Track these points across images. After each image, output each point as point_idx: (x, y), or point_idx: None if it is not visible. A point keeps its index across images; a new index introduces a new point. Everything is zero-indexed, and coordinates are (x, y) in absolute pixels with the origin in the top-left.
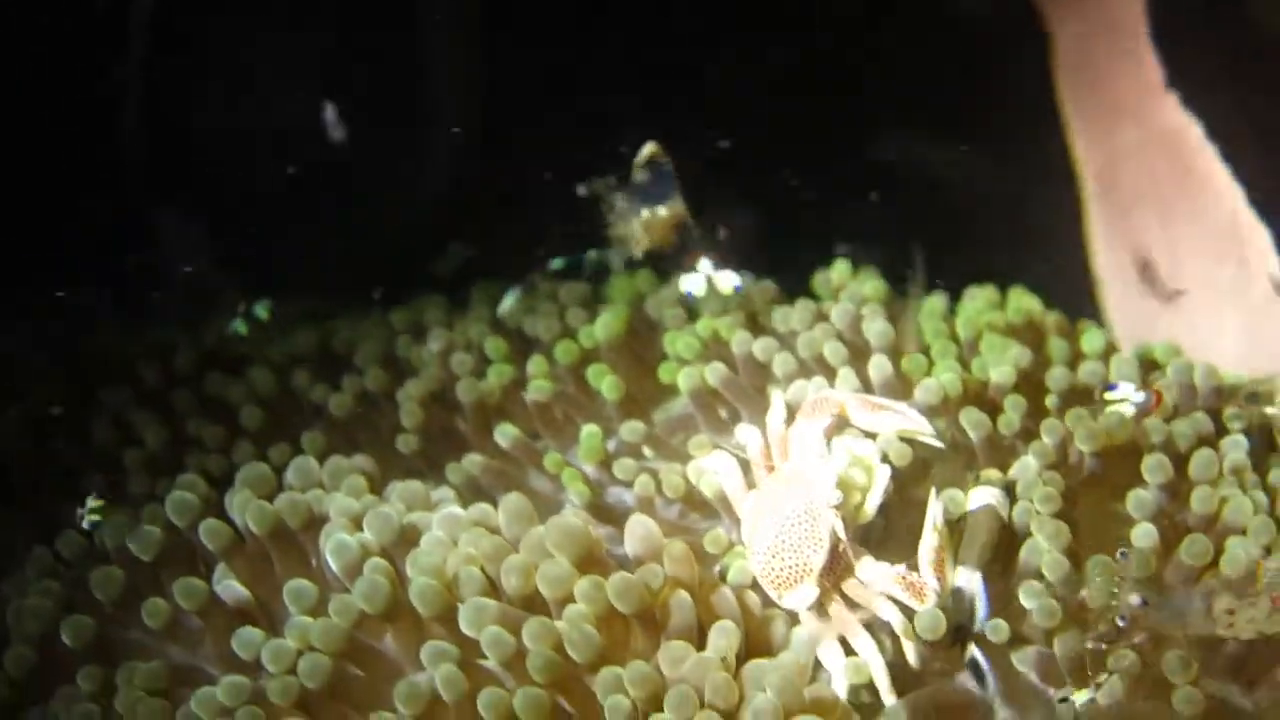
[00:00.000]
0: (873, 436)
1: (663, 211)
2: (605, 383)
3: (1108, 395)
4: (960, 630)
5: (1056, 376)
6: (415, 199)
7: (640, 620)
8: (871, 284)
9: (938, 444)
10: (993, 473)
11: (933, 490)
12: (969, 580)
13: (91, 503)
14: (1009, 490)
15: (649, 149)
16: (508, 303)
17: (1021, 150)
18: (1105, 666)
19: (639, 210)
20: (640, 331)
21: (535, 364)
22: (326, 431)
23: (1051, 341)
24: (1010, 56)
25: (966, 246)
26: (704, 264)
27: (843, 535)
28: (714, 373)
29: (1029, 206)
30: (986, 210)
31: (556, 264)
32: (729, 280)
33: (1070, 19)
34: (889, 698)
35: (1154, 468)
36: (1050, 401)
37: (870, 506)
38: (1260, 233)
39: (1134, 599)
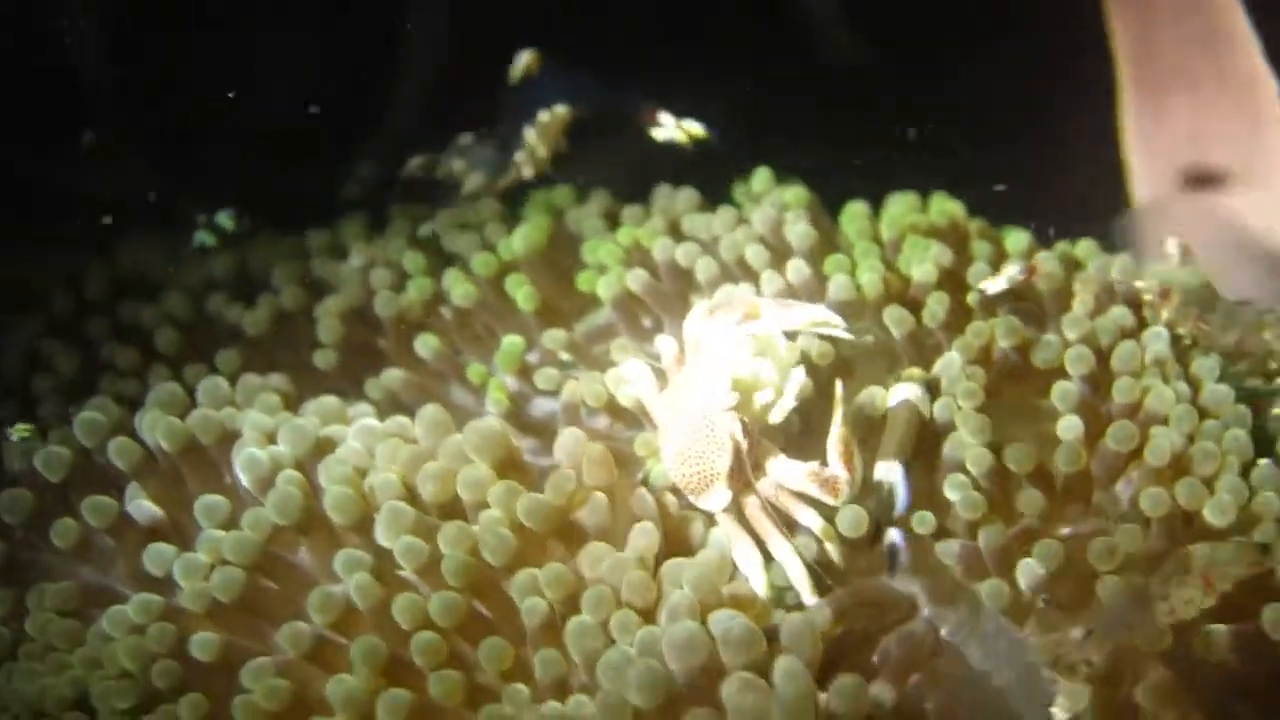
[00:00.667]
0: (792, 337)
1: (555, 113)
2: (521, 293)
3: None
4: (879, 524)
5: (977, 274)
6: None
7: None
8: (793, 191)
9: (848, 335)
10: (915, 370)
11: (838, 384)
12: (889, 471)
13: (20, 426)
14: (931, 386)
15: (525, 57)
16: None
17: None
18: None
19: (529, 120)
20: (561, 244)
21: (454, 275)
22: (243, 351)
23: (974, 243)
24: None
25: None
26: (664, 116)
27: (741, 438)
28: (636, 279)
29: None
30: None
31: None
32: (697, 125)
33: None
34: (809, 598)
35: (1075, 359)
36: (972, 299)
37: (779, 410)
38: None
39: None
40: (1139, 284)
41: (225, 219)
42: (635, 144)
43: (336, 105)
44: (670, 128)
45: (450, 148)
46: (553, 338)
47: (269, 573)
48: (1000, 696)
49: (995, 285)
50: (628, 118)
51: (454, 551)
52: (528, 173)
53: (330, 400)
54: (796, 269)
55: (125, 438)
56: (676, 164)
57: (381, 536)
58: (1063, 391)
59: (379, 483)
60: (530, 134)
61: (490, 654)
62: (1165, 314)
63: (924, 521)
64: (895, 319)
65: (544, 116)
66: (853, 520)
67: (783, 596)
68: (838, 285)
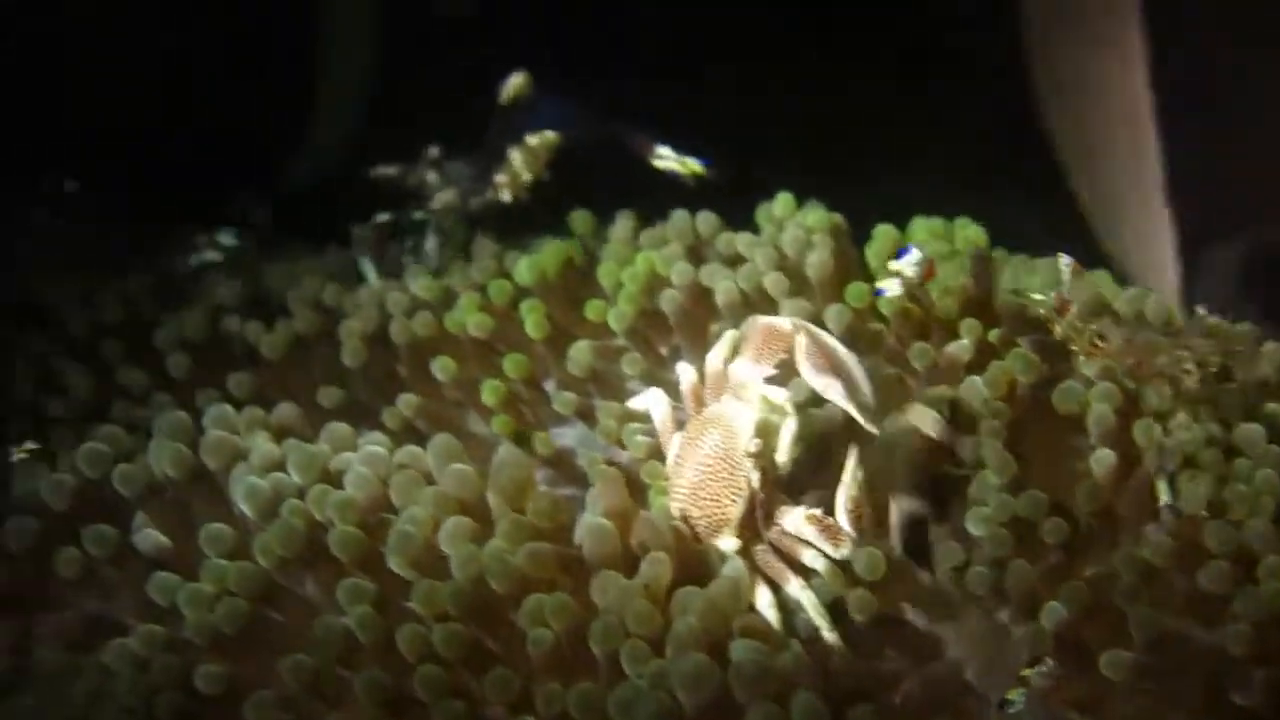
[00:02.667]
0: None
1: (544, 137)
2: (531, 320)
3: (890, 264)
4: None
5: (1003, 305)
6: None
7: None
8: (815, 215)
9: (872, 429)
10: (939, 390)
11: (851, 445)
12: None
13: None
14: (944, 413)
15: (517, 80)
16: (370, 277)
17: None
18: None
19: (515, 142)
20: (574, 269)
21: (468, 302)
22: (256, 375)
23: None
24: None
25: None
26: (664, 149)
27: (757, 487)
28: (653, 303)
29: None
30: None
31: (381, 217)
32: (695, 161)
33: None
34: (830, 635)
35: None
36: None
37: (780, 461)
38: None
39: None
40: (1036, 296)
41: (227, 237)
42: (618, 171)
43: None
44: (671, 159)
45: (421, 159)
46: (575, 360)
47: (274, 603)
48: None
49: (891, 287)
50: (623, 149)
51: (461, 579)
52: (506, 196)
53: (340, 427)
54: (813, 298)
55: (130, 465)
56: (659, 190)
57: (394, 564)
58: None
59: (399, 523)
60: (516, 157)
61: (496, 686)
62: (1059, 329)
63: (952, 555)
64: (918, 353)
65: (532, 140)
66: (869, 563)
67: (794, 628)
68: (837, 313)
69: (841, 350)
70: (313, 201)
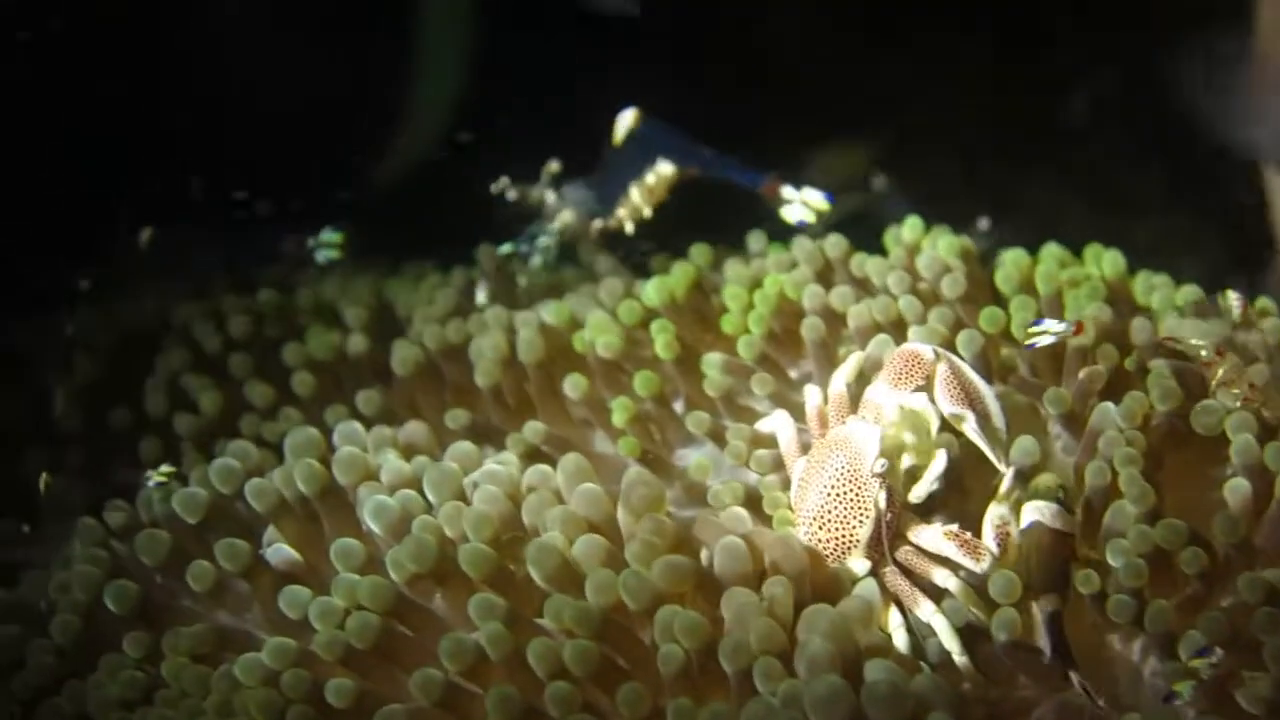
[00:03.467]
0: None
1: (660, 174)
2: (661, 341)
3: (1030, 329)
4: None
5: (1138, 330)
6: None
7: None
8: (946, 240)
9: (1001, 467)
10: (1045, 480)
11: (1007, 470)
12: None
13: (164, 468)
14: (1065, 496)
15: (628, 118)
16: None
17: None
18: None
19: (633, 180)
20: (700, 291)
21: (597, 322)
22: (383, 392)
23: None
24: None
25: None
26: (788, 190)
27: (884, 507)
28: (808, 327)
29: None
30: None
31: (505, 248)
32: (818, 196)
33: None
34: (961, 658)
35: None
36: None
37: (918, 494)
38: None
39: None
40: (1194, 341)
41: (332, 235)
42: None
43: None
44: (799, 206)
45: (542, 176)
46: (710, 381)
47: (404, 619)
48: None
49: (1041, 340)
50: (745, 189)
51: (595, 596)
52: (629, 228)
53: (467, 445)
54: (946, 322)
55: (262, 480)
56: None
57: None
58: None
59: (533, 546)
60: (636, 193)
61: (627, 701)
62: (1219, 374)
63: (1088, 582)
64: (1052, 399)
65: (650, 179)
66: (1004, 586)
67: (924, 650)
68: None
69: (980, 384)
70: (397, 206)
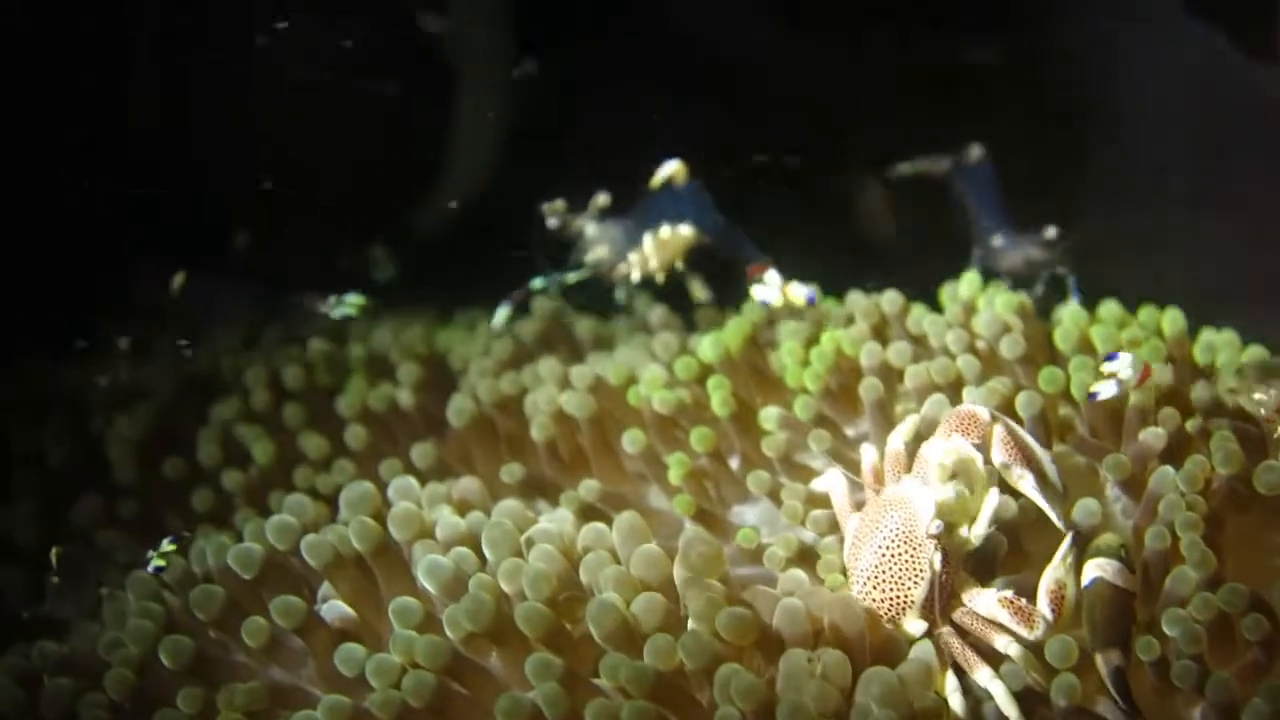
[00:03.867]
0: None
1: (681, 231)
2: (717, 398)
3: (1104, 367)
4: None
5: (1198, 392)
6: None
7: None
8: (1004, 297)
9: (1061, 526)
10: (1109, 539)
11: (1069, 534)
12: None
13: (165, 545)
14: (1126, 554)
15: (672, 167)
16: (500, 316)
17: None
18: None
19: (652, 228)
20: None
21: (652, 378)
22: (438, 446)
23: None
24: None
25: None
26: (771, 275)
27: (939, 568)
28: (867, 388)
29: None
30: None
31: (537, 283)
32: (801, 291)
33: None
34: None
35: None
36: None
37: (976, 534)
38: None
39: None
40: (1257, 397)
41: (356, 297)
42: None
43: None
44: (774, 288)
45: (590, 207)
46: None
47: (460, 678)
48: None
49: (1105, 390)
50: (735, 263)
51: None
52: (635, 275)
53: (514, 504)
54: (1026, 402)
55: (317, 536)
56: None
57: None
58: None
59: (594, 605)
60: (649, 242)
61: None
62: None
63: (1149, 649)
64: (1112, 465)
65: (664, 233)
66: (1061, 651)
67: (981, 714)
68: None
69: (1037, 446)
70: (438, 255)
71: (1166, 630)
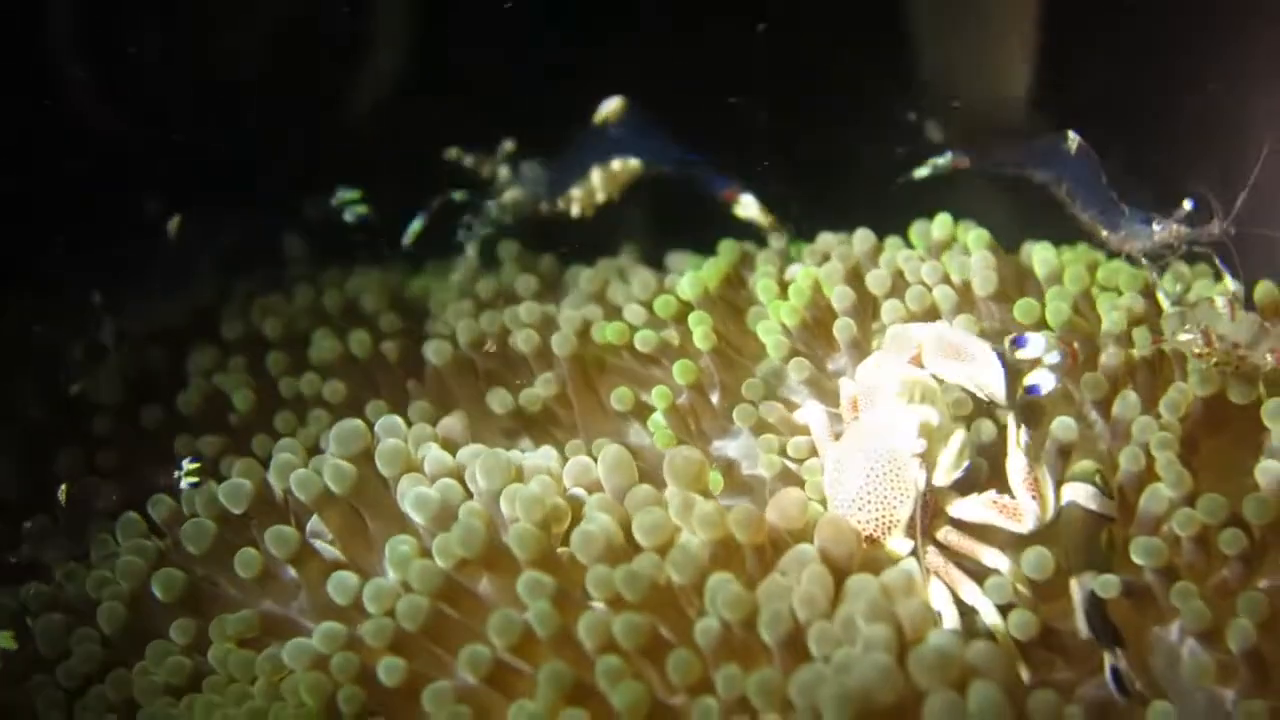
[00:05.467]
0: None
1: (627, 165)
2: (699, 333)
3: (1018, 354)
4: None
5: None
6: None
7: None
8: (975, 234)
9: (1002, 403)
10: (1086, 464)
11: (1010, 416)
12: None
13: (188, 465)
14: (1103, 481)
15: (614, 104)
16: (414, 227)
17: None
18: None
19: (597, 164)
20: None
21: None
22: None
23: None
24: None
25: None
26: (747, 197)
27: (922, 486)
28: (840, 328)
29: None
30: None
31: (458, 195)
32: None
33: None
34: (1005, 638)
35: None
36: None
37: (943, 474)
38: None
39: None
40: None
41: (349, 191)
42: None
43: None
44: (753, 207)
45: (498, 150)
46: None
47: (453, 601)
48: None
49: (1045, 384)
50: (706, 191)
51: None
52: (575, 210)
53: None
54: (985, 314)
55: (306, 471)
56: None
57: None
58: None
59: (580, 533)
60: (597, 176)
61: (677, 668)
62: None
63: (1108, 586)
64: (1089, 383)
65: (616, 165)
66: (1038, 562)
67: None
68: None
69: (972, 342)
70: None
71: (1134, 558)
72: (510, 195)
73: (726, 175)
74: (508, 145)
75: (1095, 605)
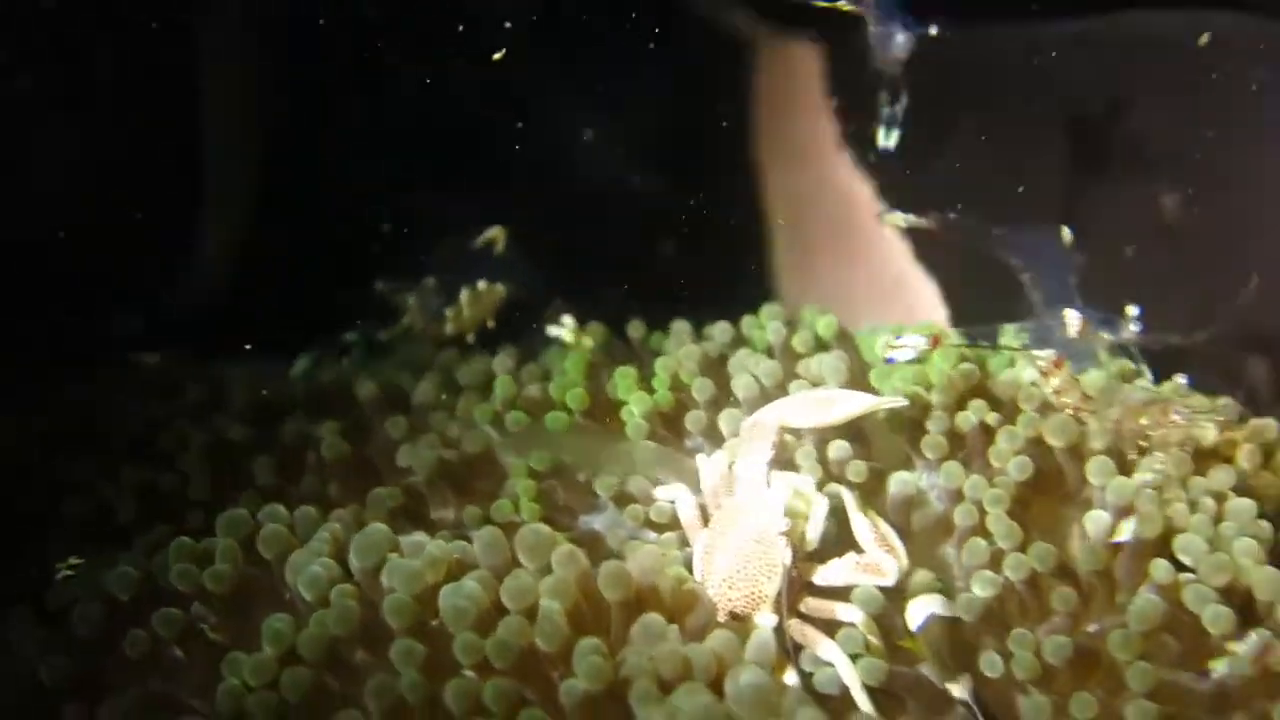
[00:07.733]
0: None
1: (496, 288)
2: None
3: (892, 343)
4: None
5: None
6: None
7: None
8: (824, 321)
9: (898, 402)
10: (920, 577)
11: (843, 489)
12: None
13: (73, 560)
14: (941, 589)
15: (494, 231)
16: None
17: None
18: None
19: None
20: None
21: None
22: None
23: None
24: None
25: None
26: (567, 319)
27: (789, 563)
28: (691, 420)
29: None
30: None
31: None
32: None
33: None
34: (863, 699)
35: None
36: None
37: (812, 536)
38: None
39: None
40: (1038, 354)
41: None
42: None
43: None
44: (567, 330)
45: (421, 285)
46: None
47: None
48: None
49: (901, 353)
50: (537, 309)
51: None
52: (450, 329)
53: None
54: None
55: (187, 565)
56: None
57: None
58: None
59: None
60: (465, 296)
61: None
62: (1054, 382)
63: (993, 665)
64: (930, 445)
65: (481, 285)
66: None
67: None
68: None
69: (828, 390)
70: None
71: (975, 590)
72: (407, 320)
73: (557, 301)
74: (429, 282)
75: (978, 702)
